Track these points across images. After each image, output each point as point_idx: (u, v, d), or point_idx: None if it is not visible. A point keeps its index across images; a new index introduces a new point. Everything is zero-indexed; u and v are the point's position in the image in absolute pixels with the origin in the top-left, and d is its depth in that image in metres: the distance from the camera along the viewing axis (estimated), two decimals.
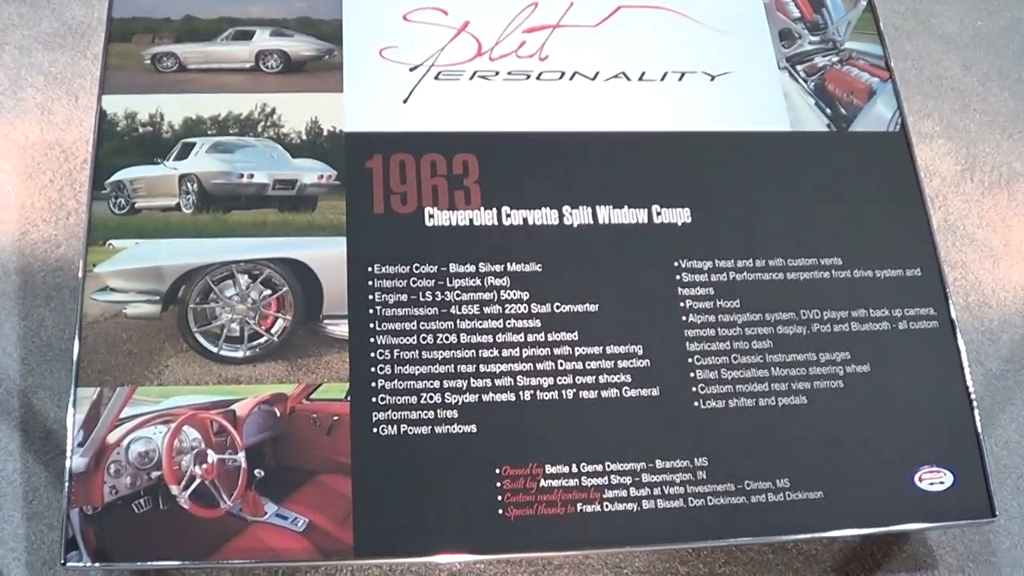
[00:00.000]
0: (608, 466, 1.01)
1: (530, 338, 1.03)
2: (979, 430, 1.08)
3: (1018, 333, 1.37)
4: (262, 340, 1.01)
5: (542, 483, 0.99)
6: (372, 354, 1.01)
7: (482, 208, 1.07)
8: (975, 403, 1.09)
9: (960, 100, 1.57)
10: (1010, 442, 1.29)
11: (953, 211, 1.45)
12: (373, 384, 1.00)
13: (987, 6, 1.71)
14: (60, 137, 1.33)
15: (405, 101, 1.11)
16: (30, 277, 1.23)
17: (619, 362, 1.04)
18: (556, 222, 1.08)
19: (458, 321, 1.02)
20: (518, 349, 1.03)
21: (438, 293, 1.03)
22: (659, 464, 1.01)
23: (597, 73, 1.16)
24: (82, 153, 1.32)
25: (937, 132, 1.53)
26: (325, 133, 1.09)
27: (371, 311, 1.02)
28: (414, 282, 1.03)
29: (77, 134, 1.34)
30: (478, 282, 1.04)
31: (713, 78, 1.17)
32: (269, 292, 1.03)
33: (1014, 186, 1.49)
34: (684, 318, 1.06)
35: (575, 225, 1.08)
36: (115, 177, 1.06)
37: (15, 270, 1.23)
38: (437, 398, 1.00)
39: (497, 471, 0.99)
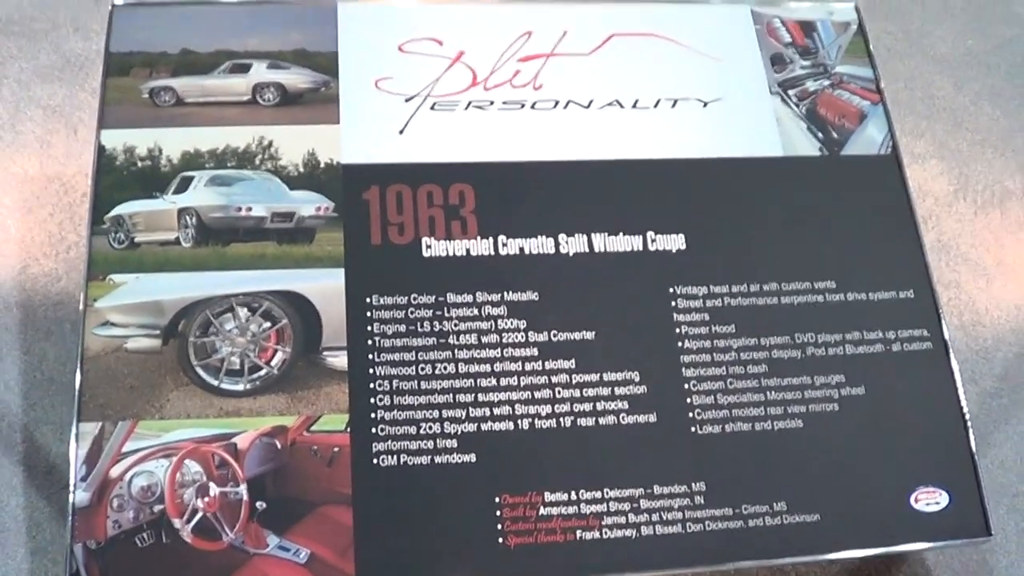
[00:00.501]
0: (607, 492, 1.01)
1: (528, 367, 1.04)
2: (974, 450, 1.09)
3: (1012, 351, 1.38)
4: (262, 373, 1.02)
5: (541, 511, 1.00)
6: (371, 385, 1.01)
7: (479, 238, 1.08)
8: (969, 423, 1.10)
9: (952, 120, 1.58)
10: (1005, 461, 1.29)
11: (946, 231, 1.46)
12: (373, 415, 1.01)
13: (979, 26, 1.72)
14: (59, 171, 1.34)
15: (401, 132, 1.12)
16: (31, 311, 1.24)
17: (616, 389, 1.05)
18: (552, 251, 1.08)
19: (456, 351, 1.03)
20: (516, 378, 1.03)
21: (436, 323, 1.04)
22: (657, 490, 1.02)
23: (591, 101, 1.16)
24: (81, 187, 1.32)
25: (930, 152, 1.54)
26: (322, 165, 1.09)
27: (370, 342, 1.03)
28: (412, 312, 1.04)
29: (76, 167, 1.34)
30: (475, 312, 1.05)
31: (706, 104, 1.18)
32: (268, 325, 1.03)
33: (1006, 205, 1.50)
34: (680, 344, 1.07)
35: (571, 253, 1.09)
36: (114, 212, 1.06)
37: (16, 304, 1.24)
38: (436, 428, 1.01)
39: (497, 499, 1.00)
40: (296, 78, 1.14)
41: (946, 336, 1.12)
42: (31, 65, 1.45)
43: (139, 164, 1.09)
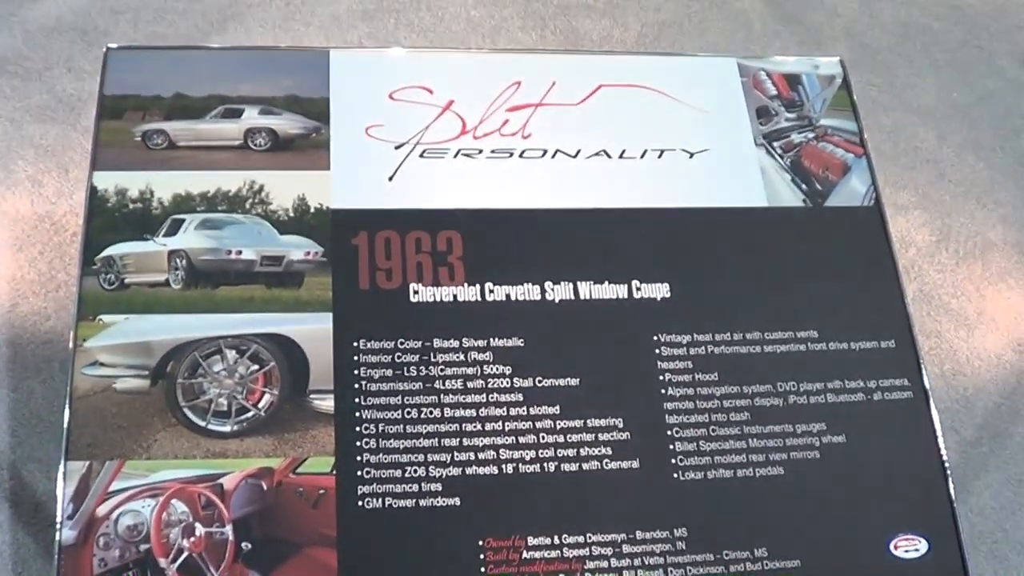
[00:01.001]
0: (589, 537, 1.02)
1: (512, 412, 1.05)
2: (953, 497, 1.10)
3: (992, 400, 1.39)
4: (249, 415, 1.03)
5: (524, 554, 1.01)
6: (357, 428, 1.02)
7: (465, 284, 1.09)
8: (949, 471, 1.11)
9: (935, 171, 1.60)
10: (985, 508, 1.31)
11: (928, 281, 1.48)
12: (358, 458, 1.01)
13: (963, 78, 1.74)
14: (50, 210, 1.35)
15: (390, 179, 1.13)
16: (20, 349, 1.24)
17: (600, 435, 1.06)
18: (538, 298, 1.10)
19: (442, 395, 1.04)
20: (501, 423, 1.04)
21: (422, 368, 1.05)
22: (639, 535, 1.03)
23: (578, 151, 1.18)
24: (72, 226, 1.33)
25: (913, 203, 1.55)
26: (312, 210, 1.11)
27: (356, 386, 1.04)
28: (399, 357, 1.05)
29: (67, 207, 1.35)
30: (462, 357, 1.06)
31: (692, 155, 1.20)
32: (256, 367, 1.04)
33: (988, 256, 1.52)
34: (663, 391, 1.08)
35: (557, 300, 1.10)
36: (105, 253, 1.07)
37: (5, 342, 1.25)
38: (421, 472, 1.02)
39: (480, 543, 1.00)
40: (287, 124, 1.15)
41: (927, 385, 1.13)
42: (24, 104, 1.46)
43: (130, 206, 1.10)
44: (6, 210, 1.35)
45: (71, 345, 1.03)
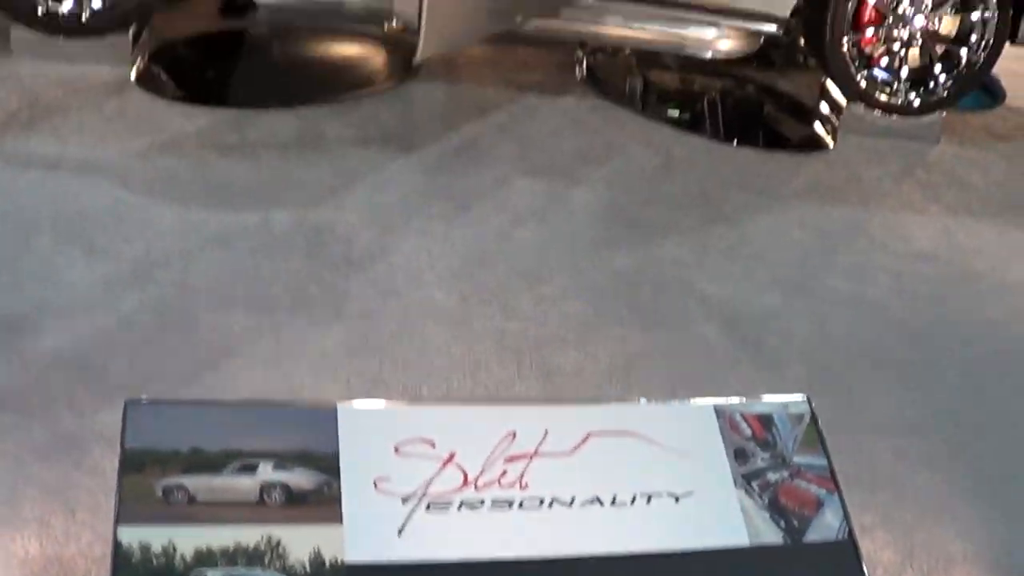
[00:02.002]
0: None
1: None
2: None
3: None
4: None
5: None
6: None
7: None
8: None
9: (894, 489, 1.69)
10: None
11: None
12: None
13: (912, 393, 1.85)
14: (59, 551, 1.40)
15: (399, 533, 1.19)
16: None
17: None
18: None
19: None
20: None
21: None
22: None
23: (573, 498, 1.25)
24: (80, 569, 1.38)
25: (876, 524, 1.64)
26: (327, 564, 1.16)
27: None
28: None
29: (75, 549, 1.40)
30: None
31: (677, 499, 1.27)
32: None
33: (951, 571, 1.60)
34: None
35: None
36: None
37: None
38: None
39: None
40: (300, 479, 1.21)
41: None
42: (26, 441, 1.51)
43: (154, 562, 1.14)
44: (15, 551, 1.39)
45: None
